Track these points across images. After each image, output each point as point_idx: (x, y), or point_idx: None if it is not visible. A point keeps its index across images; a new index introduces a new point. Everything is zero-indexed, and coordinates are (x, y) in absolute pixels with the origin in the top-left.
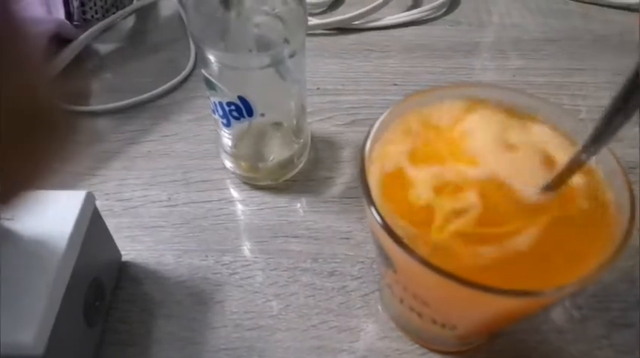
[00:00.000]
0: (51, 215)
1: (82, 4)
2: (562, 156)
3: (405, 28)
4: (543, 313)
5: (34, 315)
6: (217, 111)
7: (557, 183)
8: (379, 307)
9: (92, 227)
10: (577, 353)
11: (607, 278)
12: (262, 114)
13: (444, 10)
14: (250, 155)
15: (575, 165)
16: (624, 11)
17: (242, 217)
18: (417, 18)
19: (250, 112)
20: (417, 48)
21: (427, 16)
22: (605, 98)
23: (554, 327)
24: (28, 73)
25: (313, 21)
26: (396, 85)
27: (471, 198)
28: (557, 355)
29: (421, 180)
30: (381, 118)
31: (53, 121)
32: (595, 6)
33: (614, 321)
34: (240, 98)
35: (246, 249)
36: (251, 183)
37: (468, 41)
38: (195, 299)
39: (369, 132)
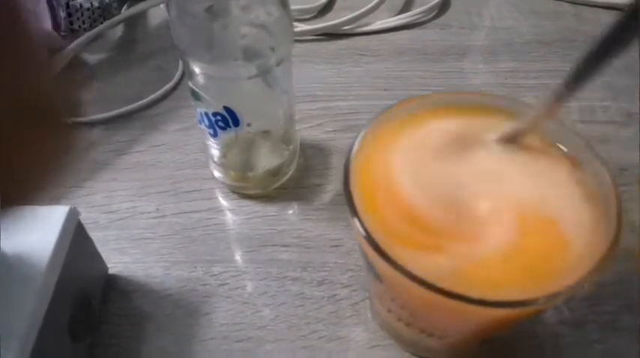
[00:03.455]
0: (33, 231)
1: (69, 15)
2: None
3: (395, 32)
4: (537, 317)
5: (16, 332)
6: (204, 121)
7: (532, 124)
8: (369, 315)
9: (76, 241)
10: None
11: (600, 281)
12: (249, 124)
13: (434, 13)
14: (239, 164)
15: (554, 102)
16: (616, 12)
17: (231, 227)
18: (407, 22)
19: (237, 122)
20: (408, 52)
21: (418, 19)
22: (598, 99)
23: (548, 332)
24: (36, 77)
25: (302, 27)
26: (386, 90)
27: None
28: None
29: (405, 185)
30: (366, 128)
31: (56, 129)
32: (587, 7)
33: (608, 325)
34: (226, 108)
35: (236, 259)
36: (240, 192)
37: (459, 44)
38: (184, 311)
39: (353, 142)
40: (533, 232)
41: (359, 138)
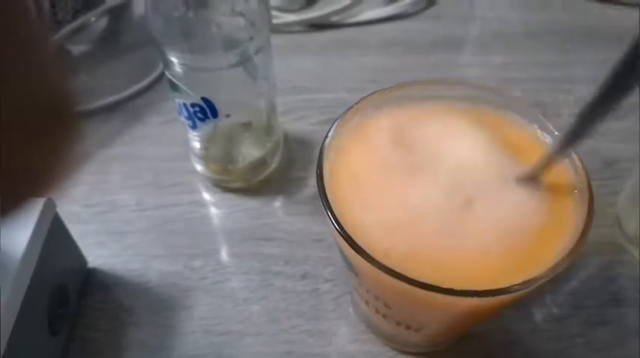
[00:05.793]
0: (8, 223)
1: (53, 6)
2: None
3: (384, 24)
4: (520, 312)
5: None
6: (182, 112)
7: (532, 176)
8: (350, 310)
9: (53, 233)
10: (551, 352)
11: (583, 275)
12: (227, 115)
13: (423, 4)
14: (220, 157)
15: (552, 158)
16: (605, 4)
17: (213, 220)
18: (396, 13)
19: (215, 113)
20: (396, 44)
21: (407, 10)
22: (588, 91)
23: (529, 327)
24: (46, 64)
25: (289, 18)
26: (374, 82)
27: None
28: (531, 355)
29: (379, 181)
30: (338, 122)
31: (68, 119)
32: None
33: (590, 319)
34: (204, 99)
35: (217, 253)
36: (223, 186)
37: (448, 36)
38: (164, 305)
39: (326, 137)
40: (506, 225)
41: (332, 129)
